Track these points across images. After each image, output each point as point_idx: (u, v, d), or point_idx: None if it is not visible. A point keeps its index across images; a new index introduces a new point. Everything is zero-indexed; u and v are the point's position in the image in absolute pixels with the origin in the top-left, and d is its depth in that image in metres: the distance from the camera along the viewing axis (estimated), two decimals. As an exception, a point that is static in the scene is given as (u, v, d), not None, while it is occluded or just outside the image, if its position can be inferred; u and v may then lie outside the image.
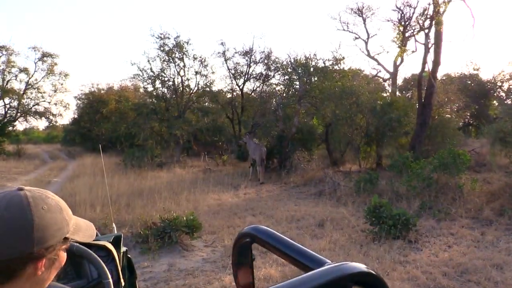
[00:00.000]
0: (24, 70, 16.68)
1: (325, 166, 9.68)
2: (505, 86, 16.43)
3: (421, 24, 9.94)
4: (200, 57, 13.14)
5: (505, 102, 15.29)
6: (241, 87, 14.33)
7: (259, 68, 16.38)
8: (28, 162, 13.78)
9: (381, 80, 17.05)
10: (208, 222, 5.30)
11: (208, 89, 13.49)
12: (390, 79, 16.46)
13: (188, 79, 13.30)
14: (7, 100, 16.72)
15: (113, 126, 15.54)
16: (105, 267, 0.74)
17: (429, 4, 9.30)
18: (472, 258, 3.70)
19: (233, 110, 14.33)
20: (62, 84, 17.51)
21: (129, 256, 0.80)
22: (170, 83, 13.09)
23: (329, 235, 4.60)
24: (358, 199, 6.55)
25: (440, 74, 13.01)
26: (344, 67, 11.26)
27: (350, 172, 9.30)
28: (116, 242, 0.75)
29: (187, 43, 12.79)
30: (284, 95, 12.61)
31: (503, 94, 16.52)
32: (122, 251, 0.77)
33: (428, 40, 9.34)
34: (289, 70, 11.83)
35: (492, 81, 16.52)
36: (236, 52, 13.95)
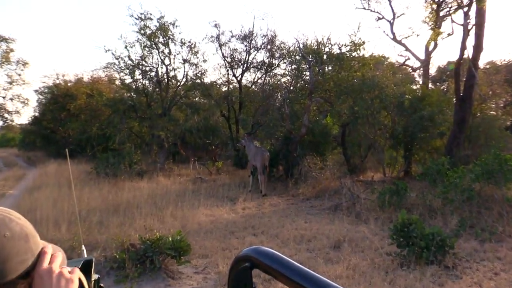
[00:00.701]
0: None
1: (341, 175, 9.70)
2: None
3: (459, 1, 9.95)
4: (189, 42, 13.22)
5: None
6: (239, 79, 14.44)
7: (261, 56, 16.58)
8: (-22, 170, 13.88)
9: (410, 69, 17.10)
10: (198, 243, 5.31)
11: (198, 81, 13.56)
12: (421, 68, 16.48)
13: (174, 69, 13.38)
14: None
15: (82, 126, 15.58)
16: None
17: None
18: (524, 288, 3.70)
19: (229, 107, 14.41)
20: (19, 75, 17.49)
21: (101, 285, 0.79)
22: (153, 73, 13.16)
23: (346, 259, 4.60)
24: (382, 215, 6.55)
25: (482, 62, 13.06)
26: (364, 54, 11.33)
27: (372, 181, 9.31)
28: (86, 269, 0.75)
29: (173, 25, 12.87)
30: (292, 88, 12.67)
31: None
32: (93, 279, 0.77)
33: (468, 21, 9.37)
34: (297, 57, 11.90)
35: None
36: (232, 36, 14.07)
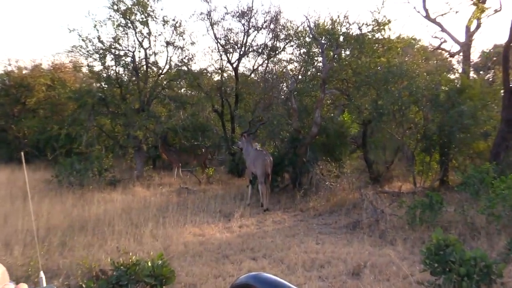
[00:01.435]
0: None
1: (362, 185, 9.73)
2: None
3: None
4: (173, 20, 13.25)
5: None
6: (235, 66, 14.51)
7: (262, 37, 16.54)
8: None
9: (446, 54, 17.17)
10: (185, 269, 5.33)
11: (185, 68, 13.61)
12: (461, 53, 16.50)
13: (155, 54, 13.42)
14: None
15: (41, 124, 15.51)
16: None
17: None
18: None
19: (223, 100, 14.46)
20: (-38, 62, 17.79)
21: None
22: (128, 59, 13.20)
23: (368, 289, 4.61)
24: (412, 235, 6.56)
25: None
26: (390, 36, 11.39)
27: (400, 193, 9.34)
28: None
29: (154, -1, 12.95)
30: (300, 77, 12.73)
31: None
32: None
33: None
34: (307, 39, 11.96)
35: None
36: (227, 13, 14.16)
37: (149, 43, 13.19)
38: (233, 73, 14.71)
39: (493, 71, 16.45)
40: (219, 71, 14.83)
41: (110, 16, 12.75)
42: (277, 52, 14.45)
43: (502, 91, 10.35)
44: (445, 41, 16.06)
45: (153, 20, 13.08)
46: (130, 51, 13.13)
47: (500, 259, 5.06)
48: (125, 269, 4.41)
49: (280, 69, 14.11)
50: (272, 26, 14.17)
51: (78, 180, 10.72)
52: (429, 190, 8.19)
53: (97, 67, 13.33)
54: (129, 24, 12.90)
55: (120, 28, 12.88)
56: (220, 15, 14.32)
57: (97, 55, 12.93)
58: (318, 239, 6.78)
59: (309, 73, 12.37)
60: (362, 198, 8.03)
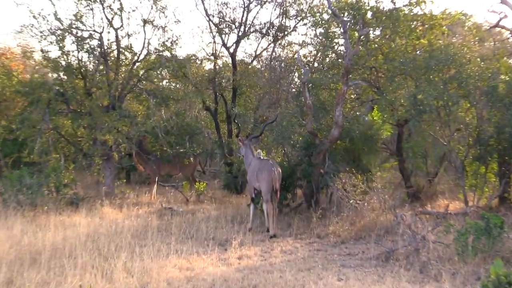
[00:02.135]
0: None
1: (397, 203, 9.69)
2: None
3: None
4: (153, -8, 13.39)
5: None
6: (232, 51, 14.60)
7: (267, 14, 16.59)
8: None
9: (507, 34, 17.13)
10: (168, 313, 5.32)
11: (167, 53, 13.68)
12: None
13: (128, 35, 13.49)
14: None
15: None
16: None
17: None
18: None
19: (218, 95, 14.54)
20: None
21: None
22: (94, 42, 13.25)
23: None
24: (463, 268, 6.56)
25: None
26: (432, 11, 11.40)
27: (447, 214, 9.29)
28: None
29: (127, -35, 13.06)
30: (316, 65, 12.81)
31: None
32: None
33: None
34: (325, 16, 12.04)
35: None
36: (222, -18, 14.35)
37: (121, 22, 13.26)
38: (229, 60, 14.81)
39: None
40: (212, 57, 14.91)
41: (71, -14, 12.87)
42: (286, 32, 14.55)
43: None
44: (505, 17, 15.85)
45: (126, -8, 13.22)
46: (97, 32, 13.17)
47: None
48: (91, 313, 4.43)
49: (291, 55, 14.21)
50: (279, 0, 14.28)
51: (29, 198, 10.72)
52: (485, 210, 8.17)
53: (54, 52, 13.30)
54: (95, -2, 12.97)
55: (83, 2, 12.93)
56: (213, -15, 14.39)
57: (54, 37, 12.91)
58: (341, 274, 6.79)
59: (327, 59, 12.46)
60: (397, 221, 8.03)
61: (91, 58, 13.54)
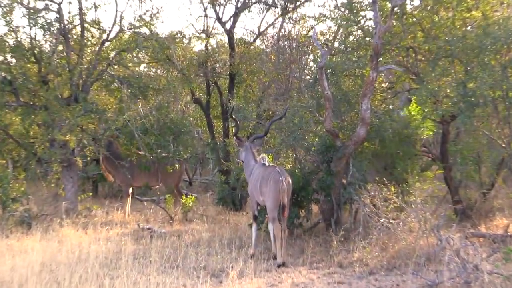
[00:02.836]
0: None
1: (441, 223, 9.70)
2: None
3: None
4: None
5: None
6: (228, 27, 14.63)
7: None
8: None
9: None
10: None
11: (146, 30, 13.71)
12: None
13: (95, 6, 13.48)
14: None
15: None
16: None
17: None
18: None
19: (210, 84, 14.56)
20: None
21: None
22: (52, 15, 13.25)
23: None
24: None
25: None
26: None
27: (506, 236, 9.30)
28: None
29: None
30: (337, 44, 12.83)
31: None
32: None
33: None
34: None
35: None
36: None
37: (86, -10, 13.30)
38: (225, 39, 14.85)
39: None
40: (203, 35, 14.94)
41: None
42: (298, 3, 14.53)
43: None
44: None
45: None
46: (54, 3, 13.16)
47: None
48: None
49: (304, 32, 14.23)
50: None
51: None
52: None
53: (-1, 29, 13.38)
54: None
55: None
56: None
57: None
58: (368, 313, 6.82)
59: (351, 38, 12.41)
60: (441, 246, 8.02)
61: (47, 36, 13.46)
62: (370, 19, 11.61)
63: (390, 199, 9.56)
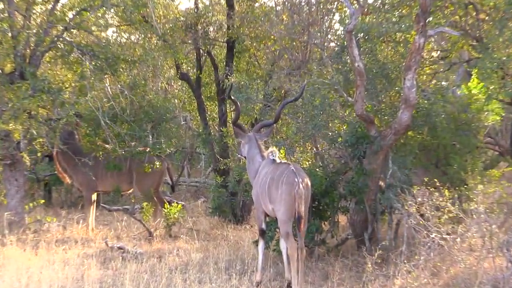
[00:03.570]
0: None
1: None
2: None
3: None
4: None
5: None
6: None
7: None
8: None
9: None
10: None
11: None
12: None
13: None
14: None
15: None
16: None
17: None
18: None
19: (201, 54, 14.55)
20: None
21: None
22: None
23: None
24: None
25: None
26: None
27: None
28: None
29: None
30: (371, 0, 12.79)
31: None
32: None
33: None
34: None
35: None
36: None
37: None
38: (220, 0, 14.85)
39: None
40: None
41: None
42: None
43: None
44: None
45: None
46: None
47: None
48: None
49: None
50: None
51: None
52: None
53: None
54: None
55: None
56: None
57: None
58: None
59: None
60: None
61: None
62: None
63: (443, 207, 9.51)
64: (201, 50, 14.34)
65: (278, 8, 14.88)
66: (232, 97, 10.90)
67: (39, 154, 14.00)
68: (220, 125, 14.30)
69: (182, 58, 14.30)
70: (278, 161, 9.80)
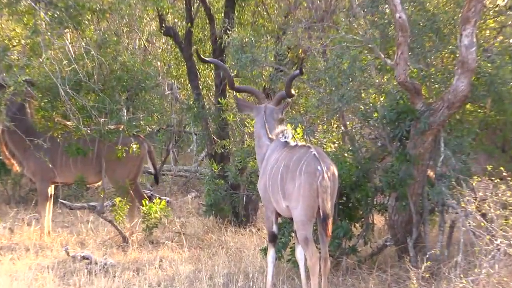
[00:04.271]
0: None
1: None
2: None
3: None
4: None
5: None
6: None
7: None
8: None
9: None
10: None
11: None
12: None
13: None
14: None
15: None
16: None
17: None
18: None
19: (192, 4, 14.57)
20: None
21: None
22: None
23: None
24: None
25: None
26: None
27: None
28: None
29: None
30: None
31: None
32: None
33: None
34: None
35: None
36: None
37: None
38: None
39: None
40: None
41: None
42: None
43: None
44: None
45: None
46: None
47: None
48: None
49: None
50: None
51: None
52: None
53: None
54: None
55: None
56: None
57: None
58: None
59: None
60: None
61: None
62: None
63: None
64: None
65: None
66: (208, 59, 10.87)
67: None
68: (217, 95, 14.32)
69: (167, 6, 14.30)
70: (292, 143, 9.76)
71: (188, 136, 14.79)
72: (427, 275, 9.40)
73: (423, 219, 10.55)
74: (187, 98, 14.40)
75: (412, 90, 10.49)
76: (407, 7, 10.74)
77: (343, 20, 12.74)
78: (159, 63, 15.03)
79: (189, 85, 14.37)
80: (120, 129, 13.44)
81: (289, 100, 10.75)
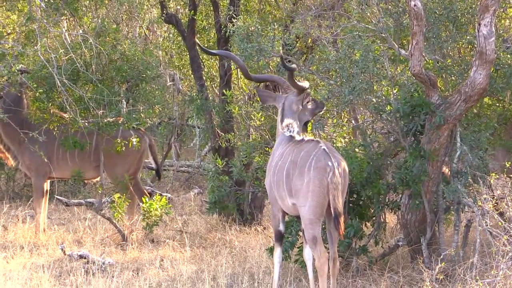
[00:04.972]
0: None
1: None
2: None
3: None
4: None
5: None
6: None
7: None
8: None
9: None
10: None
11: None
12: None
13: None
14: None
15: None
16: None
17: None
18: None
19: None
20: None
21: None
22: None
23: None
24: None
25: None
26: None
27: None
28: None
29: None
30: None
31: None
32: None
33: None
34: None
35: None
36: None
37: None
38: None
39: None
40: None
41: None
42: None
43: None
44: None
45: None
46: None
47: None
48: None
49: None
50: None
51: None
52: None
53: None
54: None
55: None
56: None
57: None
58: None
59: None
60: None
61: None
62: None
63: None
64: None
65: None
66: (215, 52, 10.83)
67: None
68: (222, 86, 14.33)
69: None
70: (298, 138, 9.78)
71: (191, 130, 14.80)
72: (441, 277, 9.38)
73: (438, 218, 10.56)
74: (190, 89, 14.41)
75: (427, 82, 10.49)
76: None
77: (355, 8, 12.73)
78: (160, 52, 15.03)
79: (192, 75, 14.38)
80: (120, 122, 13.44)
81: (308, 90, 10.73)
